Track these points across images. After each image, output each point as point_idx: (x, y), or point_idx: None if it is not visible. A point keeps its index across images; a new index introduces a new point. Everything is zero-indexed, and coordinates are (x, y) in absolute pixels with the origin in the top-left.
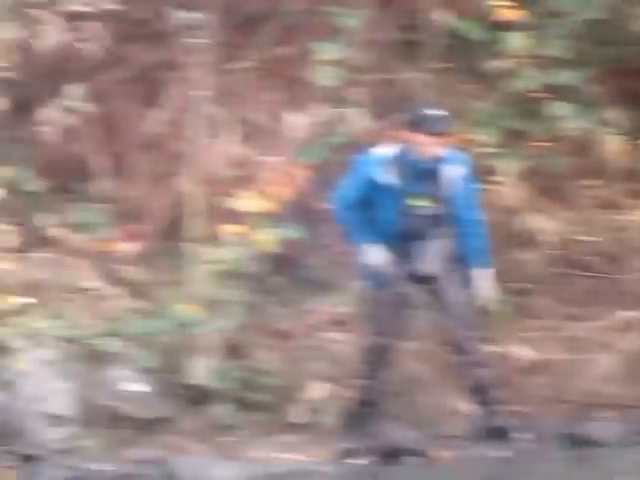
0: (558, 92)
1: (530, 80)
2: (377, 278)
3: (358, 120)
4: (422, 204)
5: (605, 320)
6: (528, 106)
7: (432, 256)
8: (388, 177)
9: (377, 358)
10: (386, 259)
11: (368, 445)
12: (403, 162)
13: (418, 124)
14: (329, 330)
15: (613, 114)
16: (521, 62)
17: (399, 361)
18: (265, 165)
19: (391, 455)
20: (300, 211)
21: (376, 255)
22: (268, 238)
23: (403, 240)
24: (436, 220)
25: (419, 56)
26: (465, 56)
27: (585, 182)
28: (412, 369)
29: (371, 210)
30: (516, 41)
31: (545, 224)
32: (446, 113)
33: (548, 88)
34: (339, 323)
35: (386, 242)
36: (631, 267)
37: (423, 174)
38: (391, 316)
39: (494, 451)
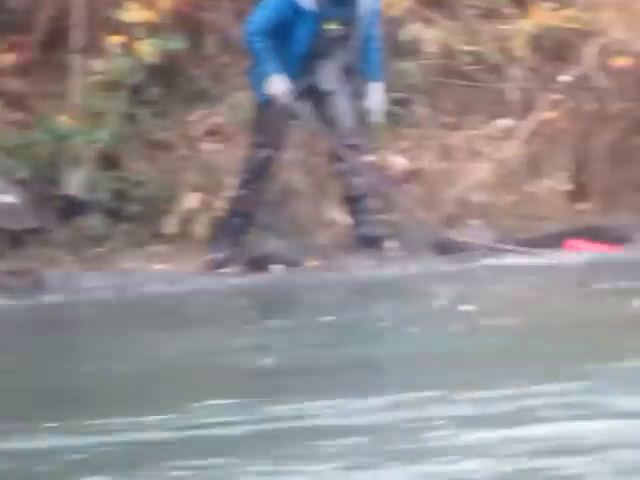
0: None
1: None
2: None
3: None
4: (334, 26)
5: (482, 129)
6: None
7: (331, 72)
8: (310, 2)
9: (257, 168)
10: (289, 90)
11: (239, 254)
12: None
13: None
14: (207, 141)
15: None
16: None
17: (277, 171)
18: None
19: (262, 264)
20: (184, 22)
21: (280, 86)
22: (150, 49)
23: (308, 58)
24: (343, 39)
25: None
26: None
27: None
28: (290, 179)
29: (282, 33)
30: None
31: (427, 34)
32: None
33: None
34: (217, 134)
35: (291, 62)
36: (512, 76)
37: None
38: (276, 127)
39: (365, 260)
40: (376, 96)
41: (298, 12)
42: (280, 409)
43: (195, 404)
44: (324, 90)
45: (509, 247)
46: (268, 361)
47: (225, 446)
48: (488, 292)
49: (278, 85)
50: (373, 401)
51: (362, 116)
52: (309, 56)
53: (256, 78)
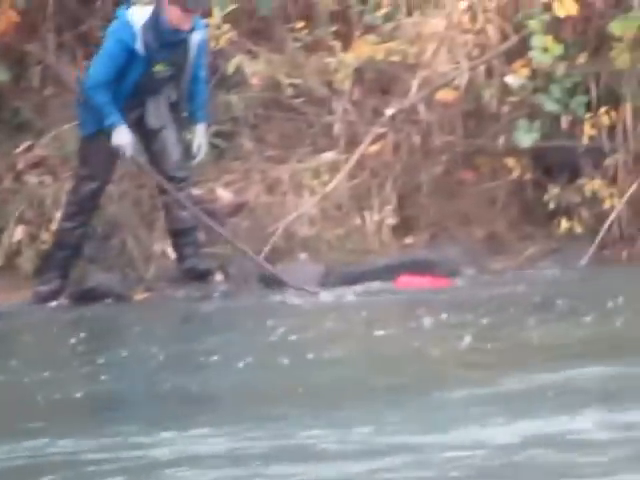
0: None
1: None
2: (95, 122)
3: None
4: (163, 69)
5: (307, 162)
6: None
7: (159, 108)
8: (141, 46)
9: (83, 201)
10: (133, 141)
11: (66, 287)
12: (155, 30)
13: None
14: (32, 173)
15: None
16: None
17: (104, 204)
18: None
19: (90, 297)
20: (6, 53)
21: (125, 137)
22: None
23: (137, 96)
24: (170, 79)
25: None
26: None
27: (293, 24)
28: (117, 212)
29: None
30: None
31: (251, 66)
32: None
33: None
34: (43, 166)
35: (119, 100)
36: (337, 109)
37: (172, 43)
38: (102, 160)
39: (192, 293)
40: (202, 138)
41: (132, 56)
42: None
43: None
44: (151, 125)
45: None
46: (79, 394)
47: None
48: (315, 325)
49: (123, 137)
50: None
51: (188, 150)
52: (137, 93)
53: (83, 112)
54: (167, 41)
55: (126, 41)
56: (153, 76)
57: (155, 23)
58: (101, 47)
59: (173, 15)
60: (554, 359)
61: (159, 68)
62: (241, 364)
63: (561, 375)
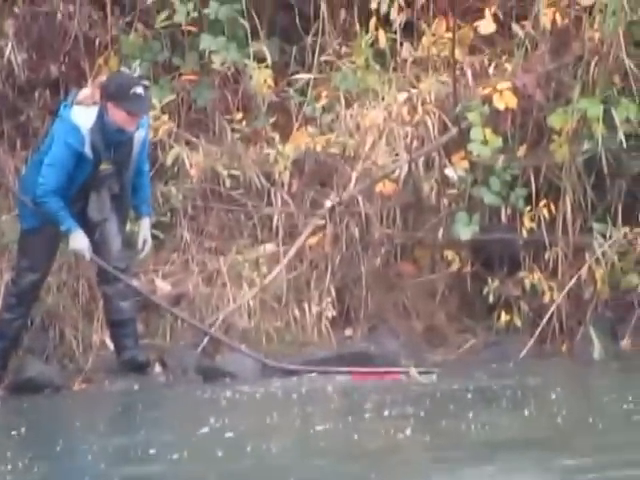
0: (208, 25)
1: (181, 13)
2: (34, 221)
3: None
4: (108, 167)
5: (246, 254)
6: (178, 39)
7: (102, 201)
8: (88, 149)
9: (22, 292)
10: (88, 245)
11: (5, 378)
12: (101, 132)
13: (121, 101)
14: None
15: (261, 47)
16: None
17: (43, 295)
18: None
19: (28, 387)
20: None
21: (82, 242)
22: None
23: (80, 191)
24: (114, 174)
25: None
26: None
27: (232, 115)
28: (56, 303)
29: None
30: None
31: (191, 157)
32: (148, 89)
33: (198, 21)
34: None
35: (65, 196)
36: (275, 201)
37: (117, 143)
38: (41, 252)
39: (131, 384)
40: (147, 232)
41: (80, 159)
42: None
43: None
44: (93, 218)
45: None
46: None
47: None
48: (253, 417)
49: (80, 242)
50: None
51: (129, 241)
52: (81, 189)
53: (22, 205)
54: (113, 141)
55: (75, 146)
56: (97, 174)
57: (101, 125)
58: (45, 149)
59: (118, 117)
60: (491, 451)
61: (104, 166)
62: (176, 456)
63: (497, 467)
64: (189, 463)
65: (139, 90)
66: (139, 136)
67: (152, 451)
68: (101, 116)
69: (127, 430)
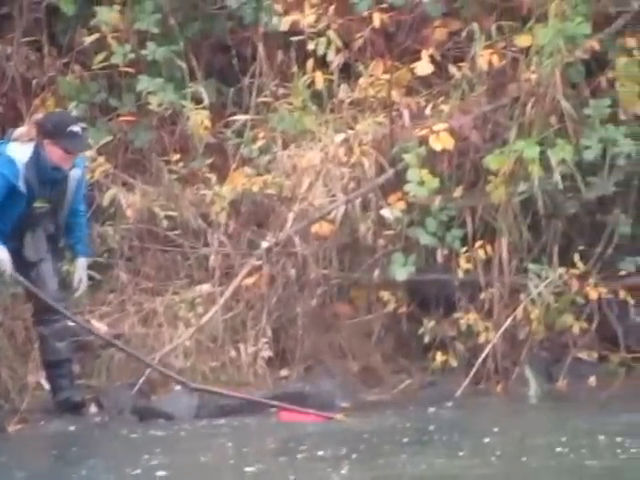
0: (145, 66)
1: (118, 54)
2: None
3: None
4: (43, 205)
5: (182, 294)
6: (116, 80)
7: (37, 241)
8: (23, 184)
9: None
10: (10, 263)
11: None
12: (36, 168)
13: (58, 138)
14: None
15: (199, 89)
16: (110, 36)
17: None
18: None
19: None
20: None
21: (2, 255)
22: None
23: (15, 230)
24: (49, 213)
25: (8, 29)
26: (58, 29)
27: (169, 157)
28: None
29: None
30: (106, 15)
31: (127, 198)
32: (85, 128)
33: (136, 62)
34: None
35: (4, 233)
36: (212, 242)
37: (52, 181)
38: None
39: (67, 425)
40: (82, 271)
41: (13, 192)
42: None
43: None
44: (29, 258)
45: None
46: None
47: None
48: (187, 457)
49: (1, 254)
50: None
51: (65, 281)
52: (16, 228)
53: None
54: (48, 178)
55: (9, 177)
56: (33, 211)
57: (37, 161)
58: None
59: (55, 155)
60: None
61: (38, 204)
62: None
63: None
64: None
65: (76, 128)
66: (75, 175)
67: None
68: (37, 153)
69: (62, 472)
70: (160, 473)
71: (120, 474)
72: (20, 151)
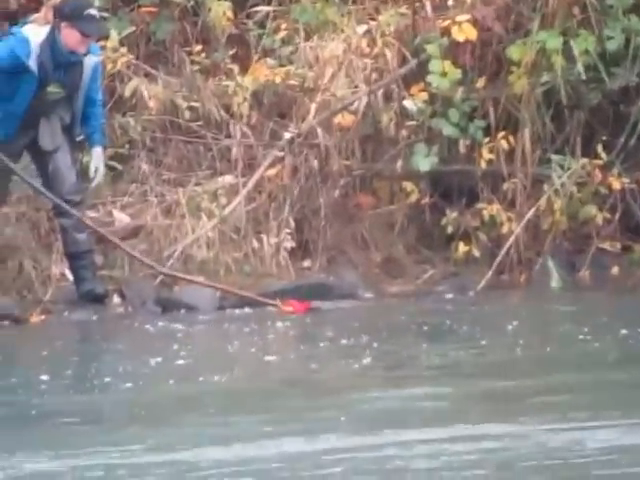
0: None
1: None
2: None
3: None
4: (57, 90)
5: (204, 186)
6: None
7: (52, 129)
8: (33, 63)
9: None
10: None
11: None
12: (51, 50)
13: (75, 21)
14: None
15: None
16: None
17: (1, 226)
18: None
19: None
20: None
21: None
22: None
23: (30, 116)
24: (64, 101)
25: None
26: None
27: (191, 48)
28: (12, 234)
29: (5, 90)
30: None
31: (149, 89)
32: (105, 18)
33: None
34: None
35: (11, 119)
36: (234, 133)
37: (65, 64)
38: None
39: (90, 315)
40: (98, 161)
41: (22, 70)
42: None
43: None
44: (45, 147)
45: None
46: None
47: None
48: (209, 349)
49: None
50: None
51: (84, 172)
52: (30, 114)
53: None
54: (62, 62)
55: (18, 55)
56: (45, 97)
57: (52, 43)
58: None
59: (71, 38)
60: (441, 377)
61: (52, 89)
62: (129, 384)
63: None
64: (141, 391)
65: (93, 12)
66: (90, 62)
67: (107, 379)
68: (52, 35)
69: (83, 361)
70: (179, 362)
71: (141, 362)
72: (35, 32)
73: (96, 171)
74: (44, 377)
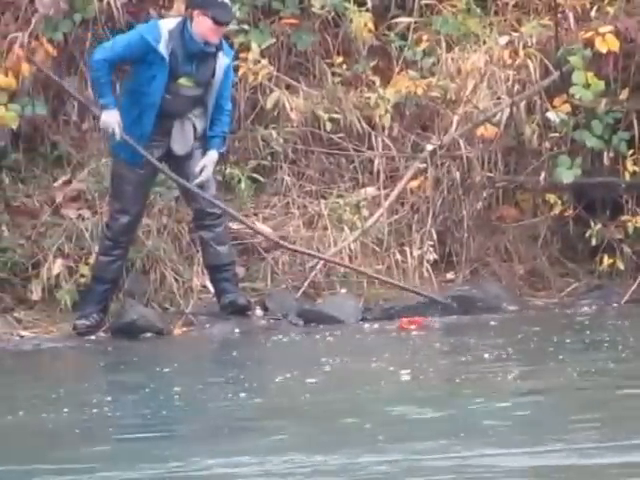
0: None
1: None
2: (126, 154)
3: None
4: (188, 85)
5: (347, 197)
6: None
7: (186, 135)
8: (164, 47)
9: (117, 235)
10: (120, 125)
11: (106, 321)
12: (182, 39)
13: (207, 8)
14: (70, 207)
15: None
16: None
17: (143, 238)
18: (5, 40)
19: (129, 331)
20: (43, 87)
21: (111, 120)
22: (11, 114)
23: (162, 118)
24: (196, 102)
25: None
26: None
27: (332, 60)
28: (155, 246)
29: (139, 80)
30: None
31: (291, 101)
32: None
33: None
34: (81, 200)
35: (147, 116)
36: (376, 145)
37: (197, 56)
38: (133, 194)
39: (232, 328)
40: (208, 161)
41: (151, 56)
42: None
43: None
44: (178, 152)
45: None
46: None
47: None
48: (357, 361)
49: (111, 118)
50: None
51: (226, 184)
52: (164, 114)
53: (116, 146)
54: (193, 52)
55: (147, 40)
56: (178, 92)
57: (182, 30)
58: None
59: (202, 26)
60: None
61: (183, 82)
62: (259, 400)
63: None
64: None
65: (225, 1)
66: (222, 62)
67: (242, 395)
68: (183, 24)
69: (222, 373)
70: (310, 380)
71: (274, 380)
72: (166, 21)
73: (203, 169)
74: (178, 390)
